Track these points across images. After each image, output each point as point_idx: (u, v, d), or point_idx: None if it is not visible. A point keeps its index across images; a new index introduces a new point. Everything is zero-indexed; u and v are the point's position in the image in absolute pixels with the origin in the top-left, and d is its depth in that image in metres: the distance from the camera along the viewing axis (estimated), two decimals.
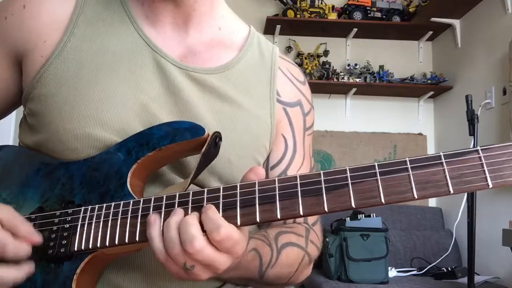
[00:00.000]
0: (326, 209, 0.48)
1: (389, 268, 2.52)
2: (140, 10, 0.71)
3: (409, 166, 0.46)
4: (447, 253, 2.78)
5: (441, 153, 0.45)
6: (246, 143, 0.69)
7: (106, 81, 0.65)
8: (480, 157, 0.44)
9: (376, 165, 0.48)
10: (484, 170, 0.43)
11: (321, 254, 2.62)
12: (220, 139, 0.62)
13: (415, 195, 0.45)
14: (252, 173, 0.56)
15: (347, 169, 0.49)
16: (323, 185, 0.49)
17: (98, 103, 0.64)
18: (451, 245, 2.79)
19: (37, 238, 0.57)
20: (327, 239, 2.55)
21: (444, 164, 0.45)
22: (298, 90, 0.79)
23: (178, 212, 0.53)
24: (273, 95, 0.75)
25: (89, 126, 0.63)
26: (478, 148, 0.44)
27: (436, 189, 0.44)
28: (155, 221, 0.53)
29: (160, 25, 0.71)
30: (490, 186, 0.42)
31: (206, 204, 0.53)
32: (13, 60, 0.69)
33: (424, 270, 2.67)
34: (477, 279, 2.30)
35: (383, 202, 0.45)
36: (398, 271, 2.64)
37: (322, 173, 0.50)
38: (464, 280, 2.21)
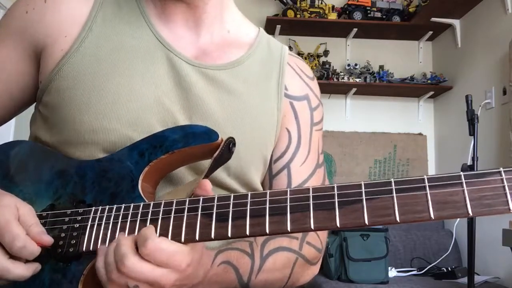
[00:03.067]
0: (338, 224, 0.47)
1: (389, 268, 2.52)
2: (153, 10, 0.72)
3: (427, 184, 0.44)
4: (447, 253, 2.79)
5: (461, 173, 0.43)
6: (253, 137, 0.70)
7: (121, 77, 0.66)
8: (502, 179, 0.42)
9: (393, 181, 0.46)
10: (506, 194, 0.41)
11: None
12: (234, 144, 0.62)
13: (432, 216, 0.43)
14: (198, 188, 0.55)
15: (362, 184, 0.47)
16: (336, 200, 0.48)
17: (114, 97, 0.65)
18: (451, 245, 2.80)
19: (47, 239, 0.56)
20: (327, 239, 2.56)
21: (464, 184, 0.43)
22: (306, 85, 0.80)
23: (117, 239, 0.53)
24: (281, 90, 0.76)
25: (105, 119, 0.64)
26: (501, 169, 0.42)
27: (454, 210, 0.42)
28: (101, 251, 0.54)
29: (172, 25, 0.72)
30: None
31: (216, 211, 0.51)
32: (31, 53, 0.70)
33: (424, 270, 2.68)
34: (477, 279, 2.30)
35: (398, 221, 0.44)
36: (398, 271, 2.64)
37: (336, 186, 0.48)
38: (464, 280, 2.22)
